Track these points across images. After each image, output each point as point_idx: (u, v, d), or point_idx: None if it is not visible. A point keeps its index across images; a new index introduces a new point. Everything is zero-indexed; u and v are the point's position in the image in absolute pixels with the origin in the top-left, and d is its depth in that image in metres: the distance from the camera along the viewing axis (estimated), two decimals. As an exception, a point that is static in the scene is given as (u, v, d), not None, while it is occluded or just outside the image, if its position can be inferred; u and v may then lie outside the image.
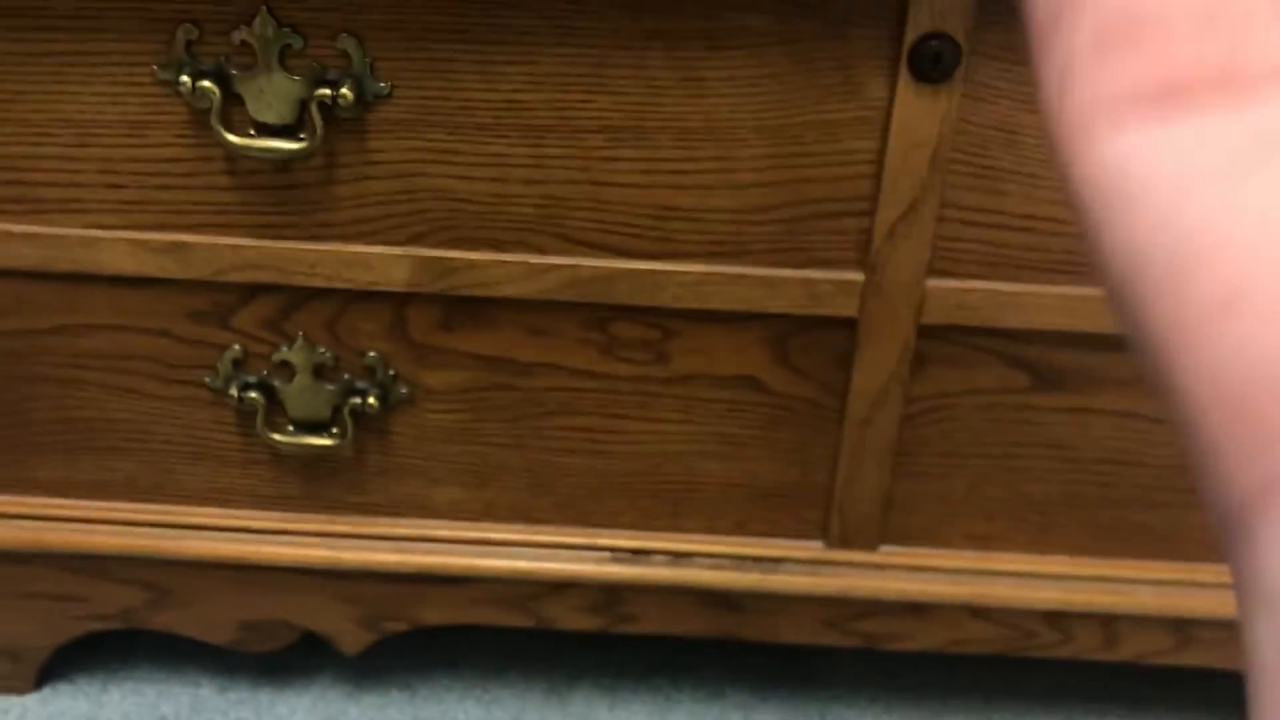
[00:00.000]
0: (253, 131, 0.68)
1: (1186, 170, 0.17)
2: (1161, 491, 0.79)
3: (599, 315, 0.74)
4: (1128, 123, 0.17)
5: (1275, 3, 0.18)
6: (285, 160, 0.69)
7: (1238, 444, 0.15)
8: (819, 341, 0.75)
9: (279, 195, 0.71)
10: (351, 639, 0.86)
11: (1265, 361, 0.15)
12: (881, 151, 0.67)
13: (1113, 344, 0.74)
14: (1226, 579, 0.73)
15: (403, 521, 0.82)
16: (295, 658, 0.92)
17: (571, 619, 0.85)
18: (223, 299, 0.75)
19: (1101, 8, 0.18)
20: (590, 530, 0.82)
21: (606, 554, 0.83)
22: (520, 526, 0.82)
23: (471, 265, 0.71)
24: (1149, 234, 0.17)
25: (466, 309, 0.74)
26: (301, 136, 0.67)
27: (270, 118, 0.67)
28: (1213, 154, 0.17)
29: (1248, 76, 0.17)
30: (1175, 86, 0.17)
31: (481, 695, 0.91)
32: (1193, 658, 0.84)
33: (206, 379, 0.77)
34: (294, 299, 0.74)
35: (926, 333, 0.74)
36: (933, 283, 0.71)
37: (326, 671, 0.93)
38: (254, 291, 0.74)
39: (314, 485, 0.81)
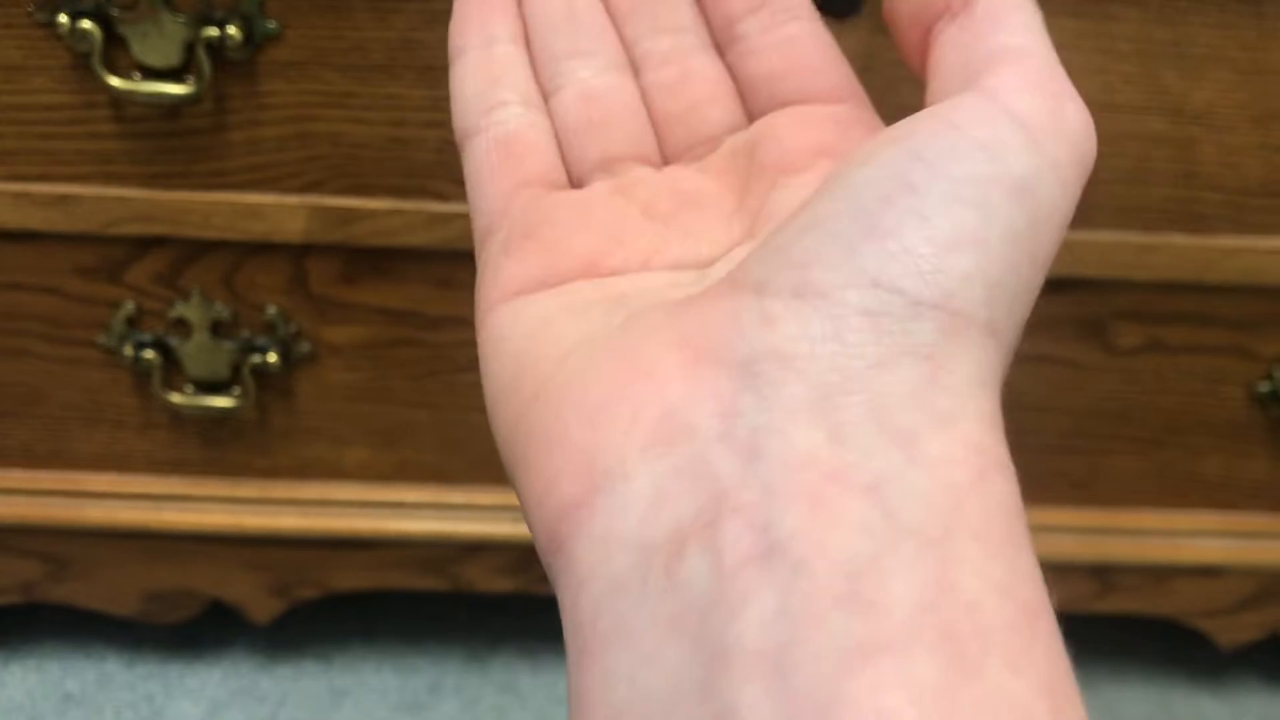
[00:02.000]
0: (137, 75, 0.65)
1: (535, 320, 0.24)
2: (1079, 438, 0.79)
3: (506, 265, 0.72)
4: (512, 298, 0.24)
5: (647, 212, 0.25)
6: (173, 105, 0.66)
7: (540, 488, 0.22)
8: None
9: (168, 143, 0.68)
10: (261, 608, 0.84)
11: (545, 430, 0.22)
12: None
13: (1028, 287, 0.73)
14: (1147, 525, 0.72)
15: (310, 484, 0.79)
16: (205, 629, 0.90)
17: (489, 581, 0.83)
18: (113, 253, 0.72)
19: (512, 222, 0.26)
20: (506, 490, 0.80)
21: (522, 514, 0.81)
22: (433, 487, 0.80)
23: (371, 214, 0.69)
24: (505, 365, 0.24)
25: (368, 260, 0.71)
26: (189, 80, 0.64)
27: (155, 60, 0.64)
28: (556, 307, 0.24)
29: (609, 265, 0.24)
30: (552, 273, 0.24)
31: (399, 663, 0.89)
32: (1114, 604, 0.84)
33: (99, 338, 0.74)
34: (188, 252, 0.71)
35: (841, 278, 0.72)
36: (846, 227, 0.70)
37: (238, 643, 0.90)
38: (146, 245, 0.71)
39: (216, 449, 0.78)
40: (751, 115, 0.27)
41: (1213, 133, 0.67)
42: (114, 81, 0.64)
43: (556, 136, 0.27)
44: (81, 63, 0.65)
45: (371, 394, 0.76)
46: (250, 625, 0.89)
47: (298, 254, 0.71)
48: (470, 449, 0.79)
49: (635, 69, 0.28)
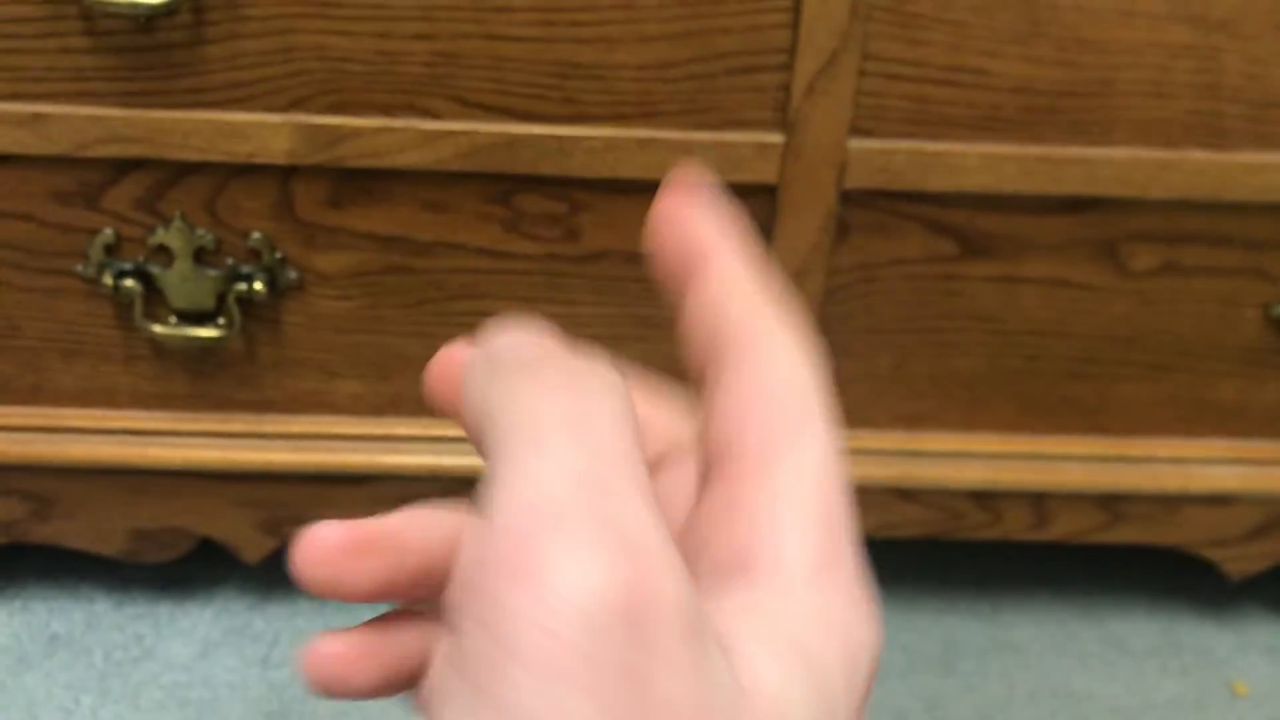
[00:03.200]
0: (110, -14, 0.61)
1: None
2: (1090, 364, 0.77)
3: (501, 187, 0.69)
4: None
5: None
6: (147, 17, 0.62)
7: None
8: (738, 211, 0.70)
9: (144, 58, 0.64)
10: (252, 546, 0.81)
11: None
12: (797, -2, 0.63)
13: (1040, 206, 0.70)
14: (1158, 453, 0.70)
15: (300, 418, 0.77)
16: (195, 568, 0.87)
17: (484, 516, 0.81)
18: (89, 177, 0.68)
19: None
20: (501, 422, 0.78)
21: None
22: (426, 421, 0.78)
23: (358, 133, 0.66)
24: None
25: (356, 182, 0.68)
26: (164, -10, 0.61)
27: (129, -30, 0.61)
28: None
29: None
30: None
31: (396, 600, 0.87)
32: (1122, 534, 0.82)
33: (78, 267, 0.71)
34: (168, 175, 0.68)
35: (849, 199, 0.70)
36: (855, 143, 0.67)
37: (230, 582, 0.88)
38: (123, 168, 0.68)
39: (203, 382, 0.76)
40: None
41: (1237, 41, 0.65)
42: (85, -8, 0.61)
43: None
44: (51, -27, 0.62)
45: (362, 324, 0.74)
46: (242, 564, 0.87)
47: (283, 176, 0.68)
48: (465, 380, 0.76)
49: None
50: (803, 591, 0.21)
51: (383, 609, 0.25)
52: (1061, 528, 0.82)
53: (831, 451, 0.22)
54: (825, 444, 0.22)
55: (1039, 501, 0.81)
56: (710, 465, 0.23)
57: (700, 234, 0.25)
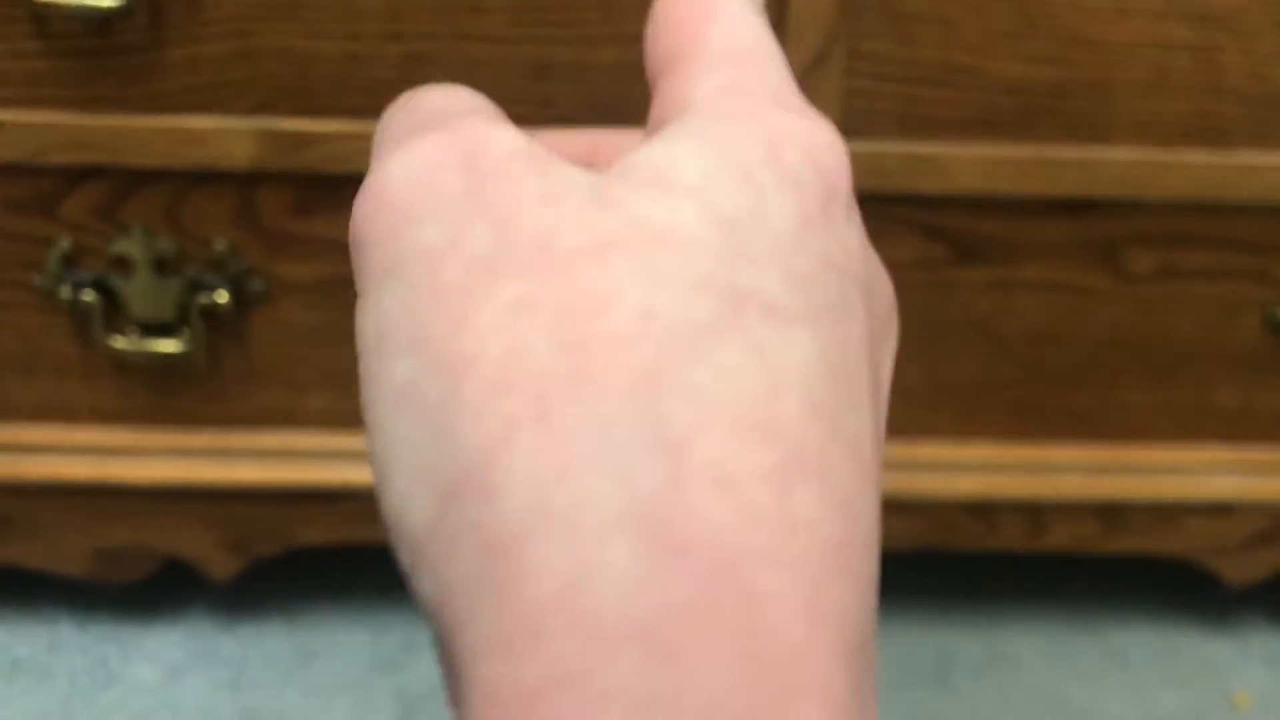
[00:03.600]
0: (61, -15, 0.58)
1: None
2: (1087, 370, 0.74)
3: (475, 192, 0.66)
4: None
5: None
6: (101, 19, 0.59)
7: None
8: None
9: (100, 62, 0.61)
10: (220, 564, 0.79)
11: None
12: (783, -5, 0.60)
13: (1035, 209, 0.68)
14: (1154, 461, 0.67)
15: (267, 433, 0.74)
16: (162, 588, 0.85)
17: (462, 533, 0.78)
18: (45, 185, 0.65)
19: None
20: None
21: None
22: (401, 434, 0.75)
23: (325, 137, 0.63)
24: None
25: (323, 189, 0.65)
26: (118, -11, 0.58)
27: (81, -32, 0.58)
28: None
29: None
30: None
31: (370, 620, 0.85)
32: (1121, 544, 0.80)
33: (34, 279, 0.68)
34: (127, 183, 0.65)
35: (837, 203, 0.67)
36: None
37: (197, 602, 0.85)
38: (81, 175, 0.65)
39: (166, 396, 0.73)
40: None
41: (1237, 39, 0.62)
42: (35, -8, 0.58)
43: None
44: (-2, -28, 0.59)
45: (330, 335, 0.71)
46: (210, 584, 0.84)
47: (246, 183, 0.65)
48: (440, 393, 0.74)
49: None
50: (706, 105, 0.20)
51: None
52: (1059, 538, 0.80)
53: (751, 22, 0.22)
54: (741, 19, 0.22)
55: (1036, 512, 0.78)
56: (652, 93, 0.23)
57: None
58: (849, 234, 0.19)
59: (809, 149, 0.19)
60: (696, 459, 0.16)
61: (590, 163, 0.26)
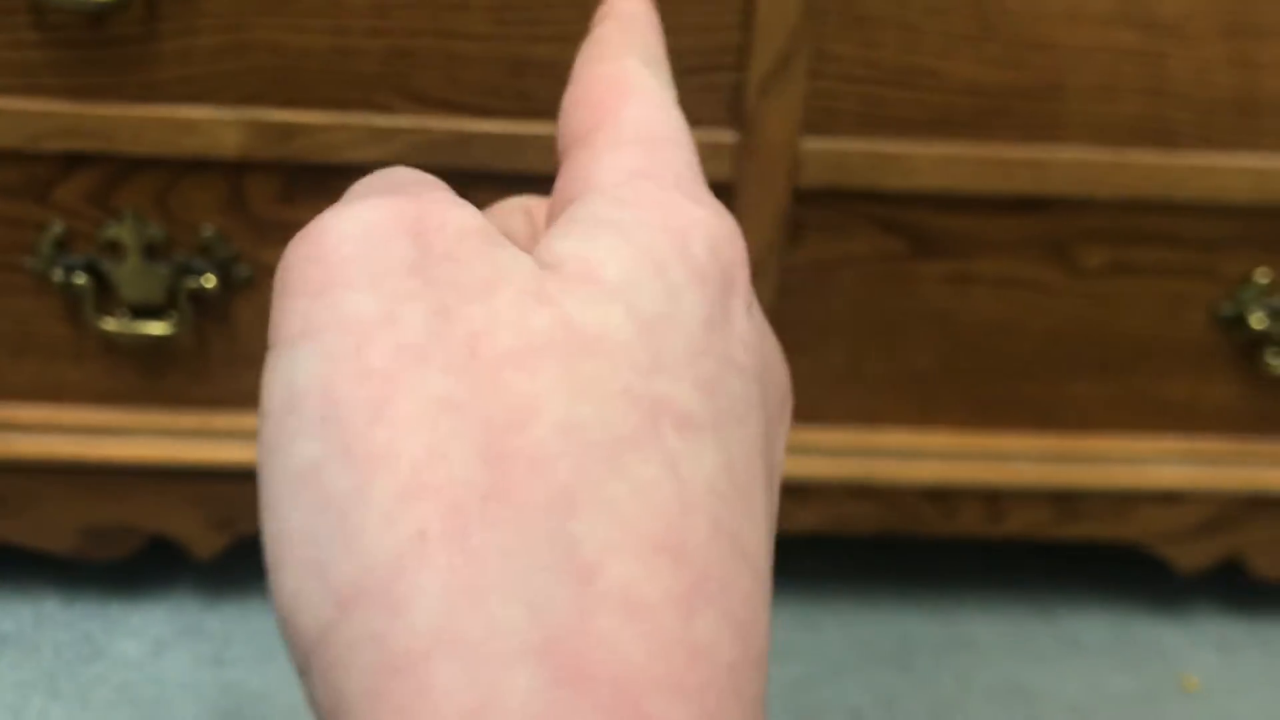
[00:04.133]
0: (59, -22, 0.61)
1: None
2: (1041, 362, 0.77)
3: (455, 183, 0.68)
4: None
5: None
6: (98, 12, 0.62)
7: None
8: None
9: (95, 53, 0.64)
10: (204, 542, 0.81)
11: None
12: (751, -3, 0.63)
13: (991, 206, 0.71)
14: (1106, 450, 0.71)
15: (252, 414, 0.77)
16: (147, 566, 0.87)
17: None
18: (39, 171, 0.68)
19: None
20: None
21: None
22: (381, 417, 0.77)
23: (311, 128, 0.66)
24: None
25: (309, 178, 0.68)
26: (114, -17, 0.61)
27: (78, -38, 0.61)
28: None
29: None
30: None
31: (349, 599, 0.87)
32: (1074, 530, 0.83)
33: (27, 262, 0.71)
34: (119, 170, 0.68)
35: (802, 197, 0.70)
36: (808, 143, 0.68)
37: (181, 580, 0.87)
38: (74, 162, 0.68)
39: (154, 378, 0.75)
40: None
41: (1183, 45, 0.66)
42: (34, -16, 0.60)
43: None
44: (-1, -35, 0.61)
45: (316, 320, 0.73)
46: (194, 562, 0.87)
47: (235, 171, 0.68)
48: (420, 377, 0.76)
49: None
50: (612, 189, 0.21)
51: None
52: (1015, 524, 0.83)
53: (661, 104, 0.22)
54: (652, 101, 0.22)
55: (993, 498, 0.81)
56: (561, 162, 0.23)
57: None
58: (747, 327, 0.20)
59: (712, 241, 0.20)
60: (606, 583, 0.16)
61: (527, 234, 0.26)
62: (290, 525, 0.17)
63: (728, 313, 0.20)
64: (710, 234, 0.20)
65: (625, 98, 0.22)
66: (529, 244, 0.25)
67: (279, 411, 0.18)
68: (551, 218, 0.22)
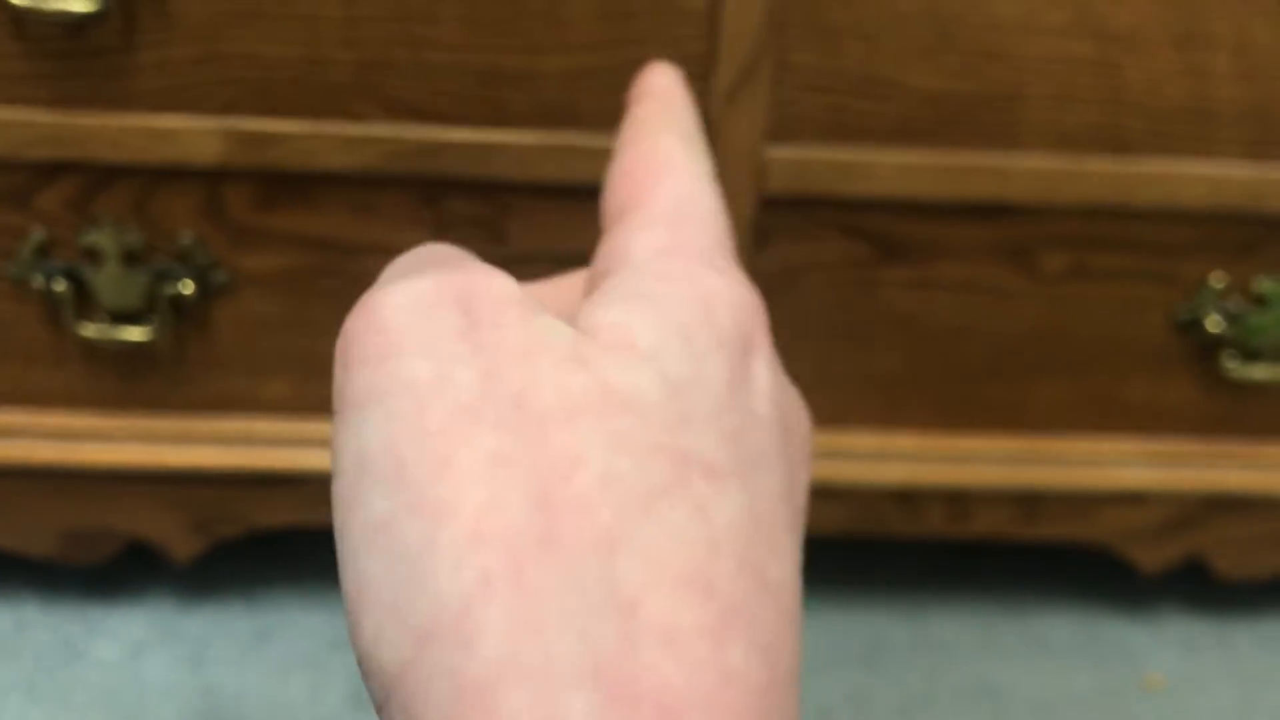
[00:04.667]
0: (39, -10, 0.62)
1: None
2: (1004, 365, 0.79)
3: (427, 190, 0.70)
4: None
5: None
6: (77, 23, 0.63)
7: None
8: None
9: (74, 64, 0.65)
10: (182, 546, 0.82)
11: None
12: (715, 9, 0.65)
13: (953, 212, 0.73)
14: (1068, 452, 0.73)
15: (229, 419, 0.78)
16: (125, 569, 0.88)
17: (415, 516, 0.82)
18: (19, 179, 0.69)
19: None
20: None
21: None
22: (357, 421, 0.78)
23: (287, 136, 0.67)
24: None
25: (286, 185, 0.69)
26: (93, -5, 0.62)
27: (57, -25, 0.62)
28: None
29: None
30: None
31: (326, 601, 0.88)
32: (1039, 531, 0.85)
33: (7, 268, 0.72)
34: (98, 178, 0.69)
35: (768, 205, 0.72)
36: (773, 151, 0.69)
37: (160, 583, 0.88)
38: (54, 170, 0.69)
39: (133, 382, 0.77)
40: None
41: (1136, 55, 0.67)
42: (14, -4, 0.61)
43: None
44: (-21, -23, 0.62)
45: (290, 325, 0.75)
46: (171, 565, 0.88)
47: (212, 179, 0.69)
48: (395, 381, 0.77)
49: None
50: (644, 265, 0.23)
51: None
52: (980, 525, 0.84)
53: (693, 181, 0.25)
54: (685, 178, 0.25)
55: (958, 500, 0.83)
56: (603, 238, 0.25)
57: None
58: (768, 383, 0.22)
59: (733, 308, 0.22)
60: (646, 617, 0.18)
61: (568, 303, 0.27)
62: (368, 574, 0.19)
63: (748, 371, 0.22)
64: (731, 302, 0.22)
65: (660, 176, 0.25)
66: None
67: (352, 471, 0.20)
68: (591, 287, 0.24)
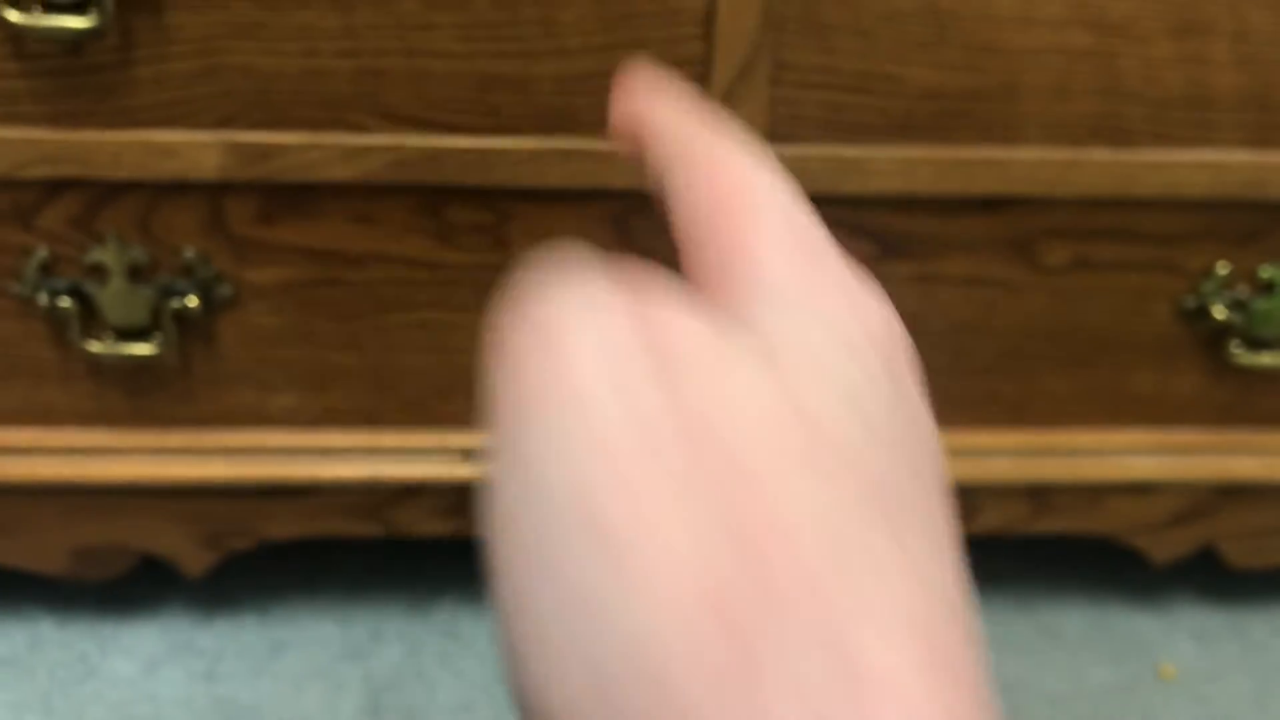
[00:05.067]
0: (38, 8, 0.62)
1: None
2: (1010, 359, 0.79)
3: (429, 199, 0.70)
4: None
5: None
6: (76, 40, 0.64)
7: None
8: (663, 219, 0.72)
9: (74, 81, 0.66)
10: (194, 560, 0.82)
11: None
12: (711, 9, 0.65)
13: (954, 207, 0.73)
14: (1080, 444, 0.72)
15: (237, 432, 0.78)
16: (138, 585, 0.88)
17: (425, 524, 0.82)
18: (23, 197, 0.69)
19: None
20: (439, 431, 0.79)
21: (458, 455, 0.80)
22: (364, 431, 0.79)
23: (287, 148, 0.67)
24: None
25: (287, 197, 0.70)
26: (91, 12, 0.62)
27: (55, -7, 0.62)
28: None
29: None
30: None
31: (339, 612, 0.88)
32: (1049, 524, 0.85)
33: (13, 287, 0.72)
34: (101, 195, 0.69)
35: (769, 204, 0.72)
36: (771, 150, 0.69)
37: (173, 598, 0.89)
38: (57, 188, 0.69)
39: (140, 398, 0.77)
40: None
41: (1133, 45, 0.67)
42: (13, 16, 0.62)
43: None
44: (-22, -2, 0.63)
45: (296, 337, 0.75)
46: (184, 579, 0.88)
47: (214, 193, 0.69)
48: (400, 391, 0.78)
49: None
50: (788, 285, 0.22)
51: None
52: (991, 519, 0.84)
53: (784, 198, 0.25)
54: (784, 202, 0.24)
55: (968, 494, 0.83)
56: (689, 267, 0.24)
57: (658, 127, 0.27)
58: (916, 390, 0.22)
59: (884, 322, 0.22)
60: (879, 684, 0.17)
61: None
62: (540, 610, 0.18)
63: (902, 383, 0.22)
64: (880, 316, 0.22)
65: (760, 205, 0.24)
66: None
67: (519, 481, 0.19)
68: (713, 308, 0.23)
